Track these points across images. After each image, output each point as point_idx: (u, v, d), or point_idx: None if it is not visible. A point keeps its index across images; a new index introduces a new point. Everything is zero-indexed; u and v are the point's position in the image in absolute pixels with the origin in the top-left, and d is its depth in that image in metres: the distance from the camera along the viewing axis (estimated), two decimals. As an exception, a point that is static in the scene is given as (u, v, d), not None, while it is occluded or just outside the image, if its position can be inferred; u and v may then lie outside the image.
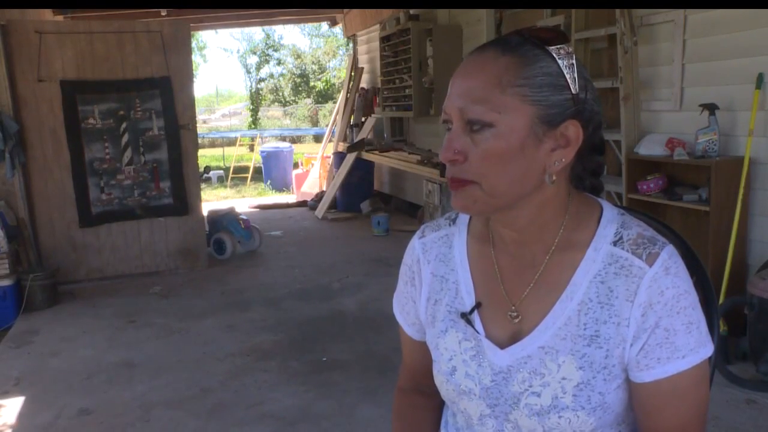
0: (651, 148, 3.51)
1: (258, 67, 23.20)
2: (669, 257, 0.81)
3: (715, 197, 3.13)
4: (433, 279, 0.97)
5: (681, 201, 3.33)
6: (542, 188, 0.83)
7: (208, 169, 11.73)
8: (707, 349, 0.82)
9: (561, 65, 0.80)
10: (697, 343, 0.81)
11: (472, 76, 0.80)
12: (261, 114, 23.03)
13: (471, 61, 0.82)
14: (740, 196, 3.09)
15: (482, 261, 0.93)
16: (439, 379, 0.94)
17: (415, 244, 1.02)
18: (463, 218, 0.98)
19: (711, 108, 3.19)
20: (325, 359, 3.40)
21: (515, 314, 0.88)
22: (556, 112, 0.79)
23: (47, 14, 6.50)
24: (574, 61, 0.80)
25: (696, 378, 0.82)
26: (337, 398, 2.94)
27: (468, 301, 0.92)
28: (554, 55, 0.80)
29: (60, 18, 6.76)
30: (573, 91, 0.80)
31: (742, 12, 3.10)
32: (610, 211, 0.88)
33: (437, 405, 1.08)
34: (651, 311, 0.80)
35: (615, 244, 0.84)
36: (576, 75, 0.80)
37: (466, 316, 0.91)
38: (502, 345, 0.88)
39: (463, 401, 0.91)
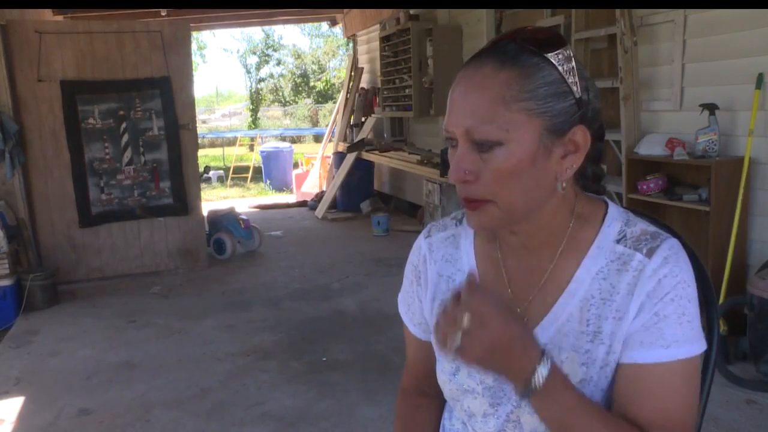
0: (651, 148, 3.51)
1: (258, 67, 23.21)
2: (669, 249, 0.81)
3: (715, 197, 3.13)
4: (439, 279, 0.97)
5: (681, 201, 3.33)
6: (554, 195, 0.83)
7: (208, 169, 11.74)
8: (696, 347, 0.80)
9: (562, 71, 0.78)
10: (686, 337, 0.79)
11: (474, 94, 0.78)
12: (261, 114, 23.03)
13: (469, 77, 0.80)
14: (740, 196, 3.08)
15: (489, 263, 0.93)
16: (442, 378, 0.95)
17: (421, 243, 1.01)
18: None
19: (711, 108, 3.19)
20: (325, 359, 3.40)
21: (522, 317, 0.88)
22: (562, 120, 0.79)
23: (47, 14, 6.50)
24: (574, 64, 0.79)
25: (680, 373, 0.79)
26: (337, 398, 2.94)
27: None
28: (554, 62, 0.78)
29: (60, 18, 6.76)
30: (576, 96, 0.79)
31: (742, 12, 3.10)
32: (615, 210, 0.88)
33: (440, 406, 1.08)
34: (648, 300, 0.80)
35: (618, 242, 0.84)
36: (577, 78, 0.79)
37: None
38: None
39: (466, 399, 0.92)
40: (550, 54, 0.78)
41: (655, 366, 0.79)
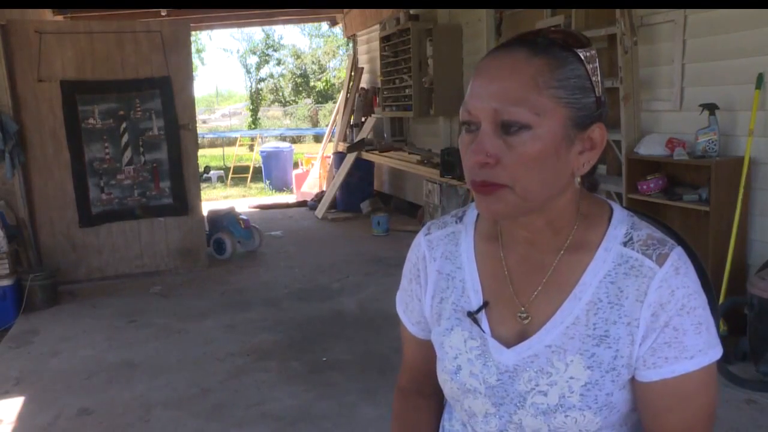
0: (651, 148, 3.51)
1: (258, 67, 23.21)
2: (678, 258, 0.82)
3: (715, 197, 3.13)
4: (438, 277, 0.97)
5: (681, 201, 3.33)
6: (567, 190, 0.84)
7: (208, 169, 11.74)
8: (716, 352, 0.82)
9: (588, 68, 0.80)
10: (706, 344, 0.81)
11: (506, 78, 0.78)
12: (261, 114, 23.03)
13: (499, 62, 0.80)
14: (740, 196, 3.09)
15: (490, 260, 0.93)
16: (443, 377, 0.94)
17: (420, 241, 1.00)
18: (471, 216, 0.97)
19: (711, 108, 3.20)
20: (325, 359, 3.40)
21: (524, 315, 0.87)
22: (585, 115, 0.80)
23: (47, 14, 6.51)
24: (597, 64, 0.81)
25: (703, 380, 0.82)
26: (337, 398, 2.94)
27: (475, 300, 0.92)
28: (582, 57, 0.80)
29: (60, 18, 6.76)
30: (597, 94, 0.81)
31: (742, 12, 3.10)
32: (620, 213, 0.88)
33: (437, 407, 1.07)
34: (662, 311, 0.80)
35: (625, 244, 0.84)
36: (599, 78, 0.81)
37: (472, 315, 0.90)
38: (509, 344, 0.87)
39: (468, 399, 0.91)
40: (579, 50, 0.81)
41: (681, 377, 0.81)
